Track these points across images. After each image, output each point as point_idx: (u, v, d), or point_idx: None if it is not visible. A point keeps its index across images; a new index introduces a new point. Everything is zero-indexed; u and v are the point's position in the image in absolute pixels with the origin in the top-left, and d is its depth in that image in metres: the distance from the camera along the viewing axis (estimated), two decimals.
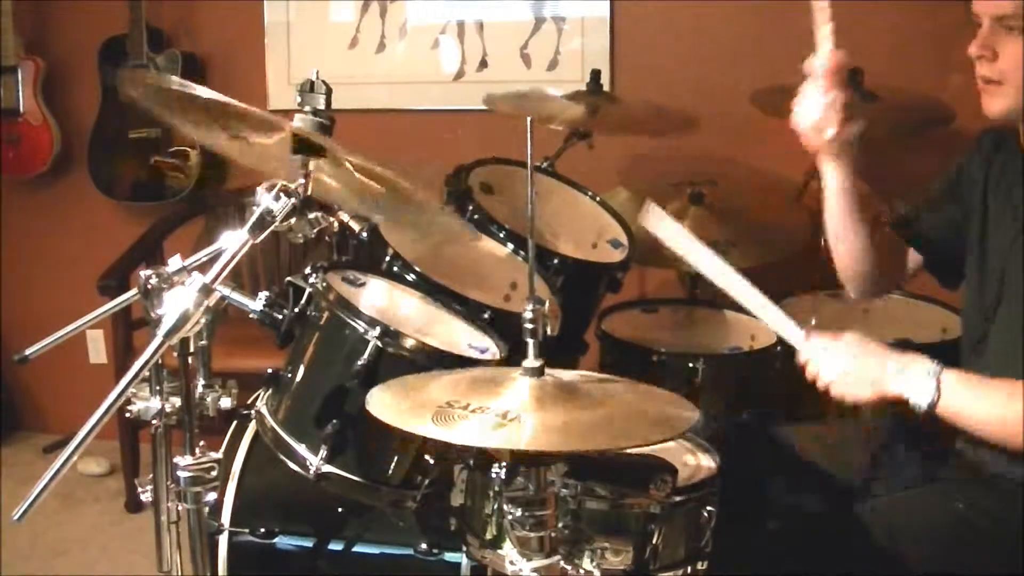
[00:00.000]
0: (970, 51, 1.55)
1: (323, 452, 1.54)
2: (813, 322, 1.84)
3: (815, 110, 1.55)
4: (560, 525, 1.38)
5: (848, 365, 1.52)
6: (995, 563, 1.52)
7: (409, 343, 1.54)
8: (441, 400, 1.29)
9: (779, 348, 2.17)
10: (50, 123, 3.43)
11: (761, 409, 2.16)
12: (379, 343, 1.52)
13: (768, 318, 1.64)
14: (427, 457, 1.59)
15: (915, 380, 1.47)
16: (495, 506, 1.46)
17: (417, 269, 1.77)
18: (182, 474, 1.31)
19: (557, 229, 2.21)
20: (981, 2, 1.53)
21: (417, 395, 1.36)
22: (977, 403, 1.47)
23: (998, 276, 1.63)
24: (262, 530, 1.80)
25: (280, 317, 1.60)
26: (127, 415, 1.41)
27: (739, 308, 2.40)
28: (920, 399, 1.46)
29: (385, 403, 1.33)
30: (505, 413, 1.24)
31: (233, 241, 1.29)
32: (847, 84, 1.56)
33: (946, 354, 2.06)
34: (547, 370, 1.34)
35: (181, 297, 1.22)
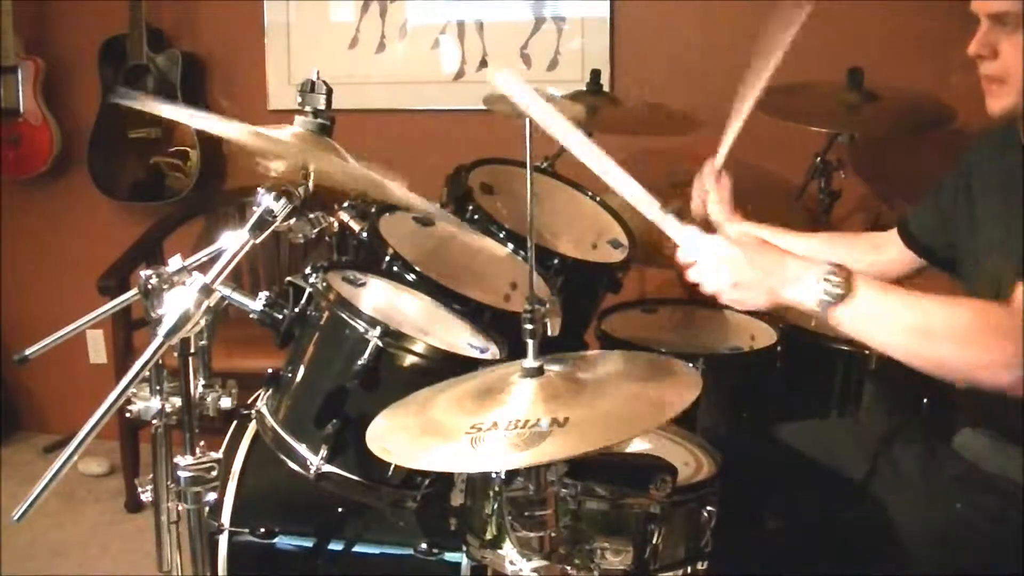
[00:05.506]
0: (969, 51, 1.55)
1: (323, 452, 1.54)
2: (813, 324, 1.84)
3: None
4: (560, 525, 1.38)
5: (743, 274, 1.42)
6: (994, 564, 1.53)
7: (409, 343, 1.54)
8: (464, 425, 1.26)
9: (779, 348, 2.17)
10: (50, 123, 3.43)
11: (761, 409, 2.15)
12: (379, 343, 1.51)
13: (648, 211, 1.49)
14: None
15: (815, 282, 1.36)
16: (495, 506, 1.46)
17: (417, 269, 1.77)
18: (182, 474, 1.31)
19: (557, 229, 2.21)
20: (979, 1, 1.53)
21: (430, 424, 1.33)
22: (884, 310, 1.36)
23: (991, 273, 1.63)
24: (262, 530, 1.80)
25: (280, 317, 1.60)
26: (127, 415, 1.41)
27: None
28: (816, 301, 1.36)
29: (405, 445, 1.30)
30: (552, 420, 1.22)
31: (233, 241, 1.29)
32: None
33: None
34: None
35: (181, 297, 1.22)
